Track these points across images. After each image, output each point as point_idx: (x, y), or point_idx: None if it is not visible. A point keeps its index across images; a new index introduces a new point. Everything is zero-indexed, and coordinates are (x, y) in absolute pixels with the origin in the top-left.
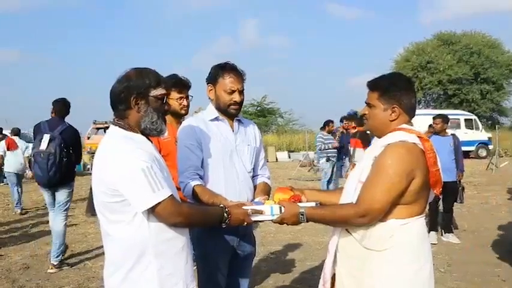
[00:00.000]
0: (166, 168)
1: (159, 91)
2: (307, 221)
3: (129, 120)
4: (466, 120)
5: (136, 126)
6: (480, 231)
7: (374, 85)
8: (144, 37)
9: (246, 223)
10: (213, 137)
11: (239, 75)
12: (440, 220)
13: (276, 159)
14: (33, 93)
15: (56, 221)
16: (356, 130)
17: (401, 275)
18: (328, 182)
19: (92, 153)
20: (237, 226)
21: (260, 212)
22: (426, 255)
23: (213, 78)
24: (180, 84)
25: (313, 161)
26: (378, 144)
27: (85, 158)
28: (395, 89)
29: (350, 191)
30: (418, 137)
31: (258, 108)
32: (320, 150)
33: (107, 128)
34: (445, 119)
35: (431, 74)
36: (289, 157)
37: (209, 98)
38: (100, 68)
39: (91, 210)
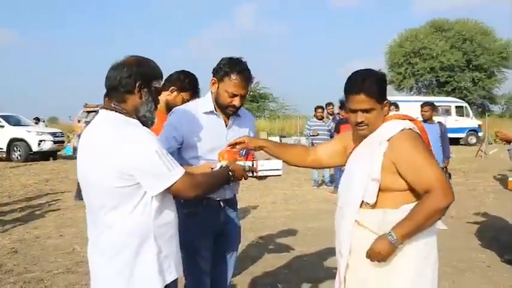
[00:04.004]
0: None
1: (159, 83)
2: (400, 243)
3: (126, 105)
4: (456, 107)
5: (133, 112)
6: (467, 218)
7: (367, 90)
8: (138, 20)
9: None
10: (202, 132)
11: (246, 79)
12: None
13: None
14: (21, 75)
15: None
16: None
17: (423, 260)
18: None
19: None
20: (219, 213)
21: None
22: (435, 238)
23: (219, 73)
24: (196, 92)
25: None
26: (377, 139)
27: (75, 141)
28: (385, 84)
29: (357, 187)
30: (410, 120)
31: (251, 93)
32: (307, 136)
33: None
34: (433, 106)
35: (424, 60)
36: (281, 142)
37: (210, 89)
38: (91, 51)
39: (80, 195)
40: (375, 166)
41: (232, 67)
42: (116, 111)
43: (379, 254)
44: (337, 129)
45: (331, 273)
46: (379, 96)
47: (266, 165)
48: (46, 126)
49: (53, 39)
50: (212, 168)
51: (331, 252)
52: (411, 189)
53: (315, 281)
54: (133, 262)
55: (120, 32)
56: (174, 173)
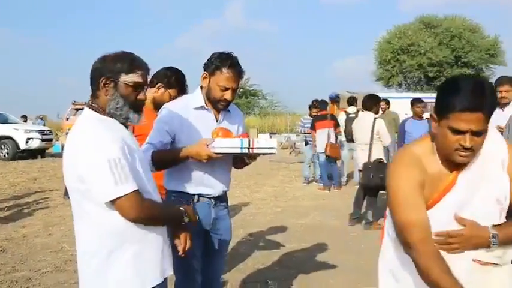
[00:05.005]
0: (140, 155)
1: (131, 78)
2: (499, 244)
3: (99, 102)
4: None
5: (105, 110)
6: None
7: (488, 107)
8: (129, 16)
9: (208, 156)
10: (193, 127)
11: (237, 73)
12: None
13: None
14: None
15: None
16: (326, 113)
17: None
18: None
19: None
20: (210, 210)
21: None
22: None
23: (210, 68)
24: (183, 89)
25: (294, 144)
26: (495, 159)
27: (63, 139)
28: (492, 105)
29: (493, 215)
30: None
31: (241, 89)
32: (300, 133)
33: None
34: (425, 104)
35: (412, 57)
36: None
37: (200, 83)
38: (79, 48)
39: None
40: (504, 190)
41: (223, 61)
42: (91, 109)
43: (469, 240)
44: (312, 127)
45: (321, 270)
46: (490, 113)
47: (262, 143)
48: (44, 124)
49: (42, 36)
50: (207, 145)
51: (321, 248)
52: None
53: (305, 278)
54: (108, 264)
55: (109, 29)
56: (121, 188)
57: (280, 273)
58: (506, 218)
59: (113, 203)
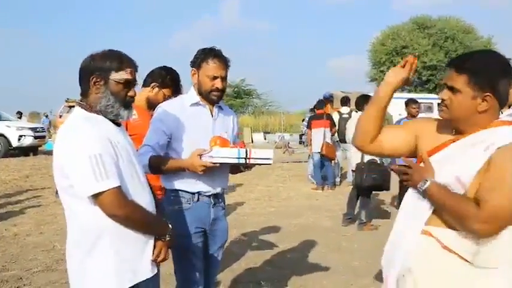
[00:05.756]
0: (129, 152)
1: (120, 75)
2: (428, 192)
3: (89, 100)
4: (438, 104)
5: (95, 107)
6: None
7: (462, 65)
8: (123, 14)
9: (203, 167)
10: (189, 124)
11: (223, 61)
12: None
13: (252, 140)
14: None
15: None
16: (322, 112)
17: None
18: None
19: None
20: (210, 209)
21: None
22: None
23: (197, 62)
24: (177, 89)
25: (288, 143)
26: (484, 144)
27: (55, 137)
28: (491, 72)
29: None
30: None
31: (235, 89)
32: (303, 132)
33: None
34: (419, 104)
35: None
36: (265, 138)
37: (192, 82)
38: (73, 45)
39: None
40: (470, 170)
41: (207, 53)
42: (80, 106)
43: (410, 177)
44: (308, 125)
45: (314, 270)
46: (474, 77)
47: (258, 153)
48: (50, 122)
49: (35, 31)
50: (201, 155)
51: (314, 248)
52: None
53: (298, 278)
54: (87, 261)
55: (103, 26)
56: (102, 184)
57: (273, 274)
58: None
59: (95, 198)
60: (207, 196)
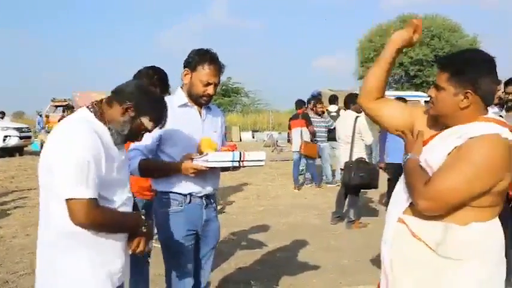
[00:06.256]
0: (121, 165)
1: (149, 125)
2: (404, 166)
3: (107, 112)
4: (425, 102)
5: (108, 119)
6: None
7: (445, 64)
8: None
9: (194, 170)
10: (178, 126)
11: (218, 68)
12: None
13: (240, 139)
14: None
15: None
16: (300, 111)
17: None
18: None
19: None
20: (202, 211)
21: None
22: (505, 261)
23: (192, 64)
24: (165, 89)
25: (276, 141)
26: (458, 134)
27: (43, 136)
28: (471, 69)
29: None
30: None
31: (223, 87)
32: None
33: (67, 106)
34: (407, 102)
35: None
36: (253, 137)
37: (182, 81)
38: (60, 44)
39: None
40: (439, 153)
41: (204, 57)
42: (89, 110)
43: (409, 143)
44: (289, 126)
45: (304, 269)
46: (455, 74)
47: (252, 156)
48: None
49: (20, 31)
50: (192, 159)
51: (303, 247)
52: (484, 206)
53: (288, 277)
54: (62, 262)
55: (90, 25)
56: (77, 190)
57: (263, 273)
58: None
59: (66, 202)
60: (199, 197)
